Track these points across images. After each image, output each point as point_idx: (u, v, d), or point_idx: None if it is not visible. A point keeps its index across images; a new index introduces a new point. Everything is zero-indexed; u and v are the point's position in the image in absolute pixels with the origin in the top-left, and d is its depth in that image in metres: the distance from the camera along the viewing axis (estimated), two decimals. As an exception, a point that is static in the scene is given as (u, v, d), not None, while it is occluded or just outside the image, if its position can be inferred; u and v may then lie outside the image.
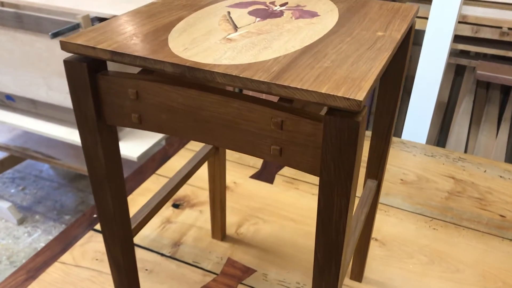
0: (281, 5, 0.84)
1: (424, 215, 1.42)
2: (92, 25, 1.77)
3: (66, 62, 0.68)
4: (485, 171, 1.63)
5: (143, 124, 0.70)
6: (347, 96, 0.53)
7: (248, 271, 1.20)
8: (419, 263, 1.25)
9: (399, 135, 2.25)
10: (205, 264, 1.22)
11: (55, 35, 1.62)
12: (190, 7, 0.82)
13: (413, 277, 1.21)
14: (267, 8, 0.82)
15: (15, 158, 2.61)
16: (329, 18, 0.78)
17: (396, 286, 1.18)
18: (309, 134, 0.59)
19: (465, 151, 2.28)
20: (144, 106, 0.68)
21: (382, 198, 1.47)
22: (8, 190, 2.73)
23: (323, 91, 0.54)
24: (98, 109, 0.71)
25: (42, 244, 2.43)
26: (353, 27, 0.74)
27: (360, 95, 0.53)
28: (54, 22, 1.79)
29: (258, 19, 0.77)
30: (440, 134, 2.52)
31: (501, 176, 1.60)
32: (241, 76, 0.58)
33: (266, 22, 0.75)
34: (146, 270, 1.19)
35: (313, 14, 0.79)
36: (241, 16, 0.78)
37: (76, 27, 1.69)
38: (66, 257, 1.23)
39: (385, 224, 1.36)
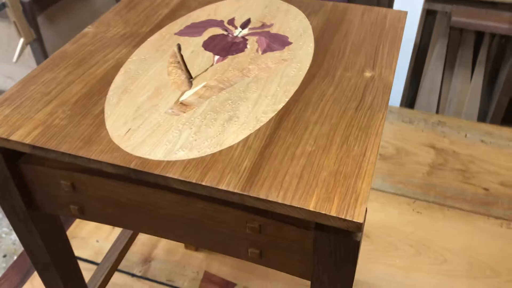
0: (243, 26, 0.68)
1: (407, 196, 1.35)
2: (21, 2, 1.53)
3: (-24, 152, 0.53)
4: (465, 135, 1.55)
5: (86, 215, 0.56)
6: (343, 217, 0.41)
7: (227, 285, 1.12)
8: (405, 255, 1.20)
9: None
10: (181, 281, 1.13)
11: (-22, 22, 1.39)
12: (130, 38, 0.66)
13: (400, 273, 1.16)
14: (225, 33, 0.66)
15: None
16: (303, 48, 0.63)
17: (382, 286, 1.13)
18: (294, 240, 0.48)
19: (439, 97, 2.20)
20: (84, 198, 0.54)
21: (361, 177, 1.38)
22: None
23: (311, 208, 0.42)
24: (28, 197, 0.57)
25: (5, 229, 2.30)
26: (334, 64, 0.60)
27: (359, 213, 0.42)
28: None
29: (216, 57, 0.62)
30: (412, 83, 2.42)
31: (482, 141, 1.54)
32: (203, 184, 0.45)
33: (227, 64, 0.60)
34: (117, 293, 1.10)
35: (283, 42, 0.64)
36: (195, 52, 0.63)
37: (1, 8, 1.45)
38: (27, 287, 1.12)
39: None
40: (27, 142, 0.49)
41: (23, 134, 0.50)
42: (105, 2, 1.95)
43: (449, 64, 2.24)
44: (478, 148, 1.52)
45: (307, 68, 0.59)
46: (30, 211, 0.58)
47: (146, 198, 0.51)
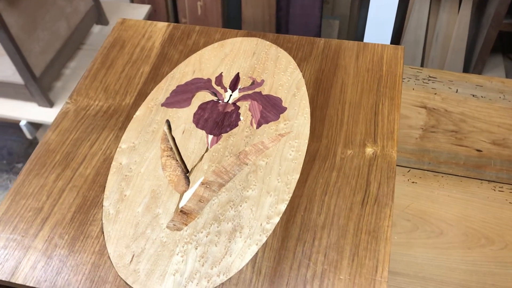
0: (232, 87, 0.64)
1: (401, 166, 1.36)
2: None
3: (-22, 285, 0.51)
4: (457, 90, 1.53)
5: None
6: None
7: None
8: (403, 231, 1.24)
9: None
10: None
11: None
12: (115, 116, 0.61)
13: (399, 250, 1.20)
14: (215, 99, 0.62)
15: None
16: (299, 115, 0.60)
17: (384, 265, 1.17)
18: None
19: (426, 32, 2.14)
20: (96, 311, 0.54)
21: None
22: None
23: None
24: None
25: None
26: (333, 138, 0.57)
27: None
28: None
29: (210, 137, 0.58)
30: (397, 18, 2.33)
31: (473, 95, 1.52)
32: (219, 328, 0.45)
33: (223, 148, 0.57)
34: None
35: (278, 108, 0.60)
36: (186, 131, 0.59)
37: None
38: None
39: (363, 184, 1.30)
40: (31, 285, 0.48)
41: (26, 275, 0.49)
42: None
43: (436, -3, 2.15)
44: (469, 104, 1.51)
45: (306, 145, 0.57)
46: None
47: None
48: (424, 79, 1.58)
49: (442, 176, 1.33)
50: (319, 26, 1.83)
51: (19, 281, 0.48)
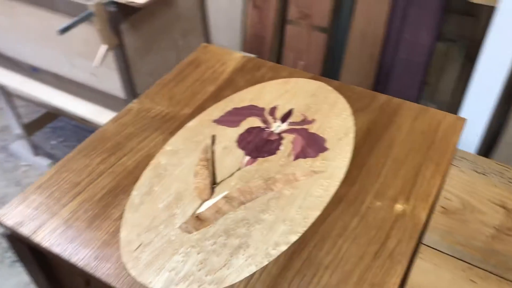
0: (283, 119, 0.65)
1: (464, 261, 1.26)
2: (108, 11, 1.59)
3: (9, 237, 0.56)
4: (544, 198, 1.41)
5: (100, 305, 0.58)
6: None
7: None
8: (449, 330, 1.13)
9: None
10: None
11: (63, 31, 1.47)
12: (170, 121, 0.66)
13: None
14: (263, 125, 0.65)
15: (51, 114, 2.59)
16: (338, 158, 0.60)
17: None
18: None
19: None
20: (98, 293, 0.56)
21: (418, 229, 1.31)
22: (49, 142, 2.75)
23: None
24: (55, 284, 0.60)
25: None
26: (366, 187, 0.56)
27: None
28: (67, 3, 1.63)
29: (246, 159, 0.60)
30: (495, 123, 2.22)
31: None
32: (193, 332, 0.44)
33: (254, 170, 0.58)
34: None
35: (319, 147, 0.61)
36: (227, 148, 0.62)
37: (88, 17, 1.52)
38: None
39: (416, 269, 1.23)
40: (45, 245, 0.52)
41: (44, 237, 0.52)
42: (188, 7, 1.98)
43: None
44: (557, 215, 1.37)
45: (336, 187, 0.56)
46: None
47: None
48: (510, 178, 1.48)
49: (507, 283, 1.21)
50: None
51: (37, 240, 0.52)
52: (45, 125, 2.69)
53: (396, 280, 0.47)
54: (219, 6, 1.94)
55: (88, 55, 1.91)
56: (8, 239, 0.56)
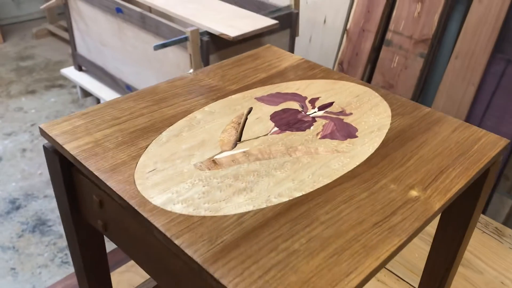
0: (321, 108, 0.67)
1: None
2: (201, 39, 1.73)
3: (45, 149, 0.62)
4: None
5: (108, 233, 0.61)
6: (276, 329, 0.38)
7: None
8: None
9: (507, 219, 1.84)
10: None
11: (159, 47, 1.62)
12: (216, 91, 0.70)
13: None
14: (300, 110, 0.67)
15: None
16: (365, 145, 0.60)
17: None
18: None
19: None
20: (107, 217, 0.59)
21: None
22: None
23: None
24: (75, 205, 0.64)
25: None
26: (384, 172, 0.55)
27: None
28: (170, 29, 1.80)
29: (275, 129, 0.62)
30: None
31: None
32: (175, 242, 0.45)
33: (279, 139, 0.60)
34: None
35: (349, 134, 0.62)
36: (260, 119, 0.64)
37: (183, 40, 1.67)
38: None
39: None
40: (73, 153, 0.56)
41: (75, 147, 0.57)
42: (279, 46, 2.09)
43: None
44: None
45: (355, 166, 0.56)
46: (74, 214, 0.65)
47: (144, 236, 0.53)
48: None
49: None
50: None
51: (68, 147, 0.57)
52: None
53: (391, 248, 0.45)
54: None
55: (173, 76, 2.03)
56: (44, 150, 0.61)
